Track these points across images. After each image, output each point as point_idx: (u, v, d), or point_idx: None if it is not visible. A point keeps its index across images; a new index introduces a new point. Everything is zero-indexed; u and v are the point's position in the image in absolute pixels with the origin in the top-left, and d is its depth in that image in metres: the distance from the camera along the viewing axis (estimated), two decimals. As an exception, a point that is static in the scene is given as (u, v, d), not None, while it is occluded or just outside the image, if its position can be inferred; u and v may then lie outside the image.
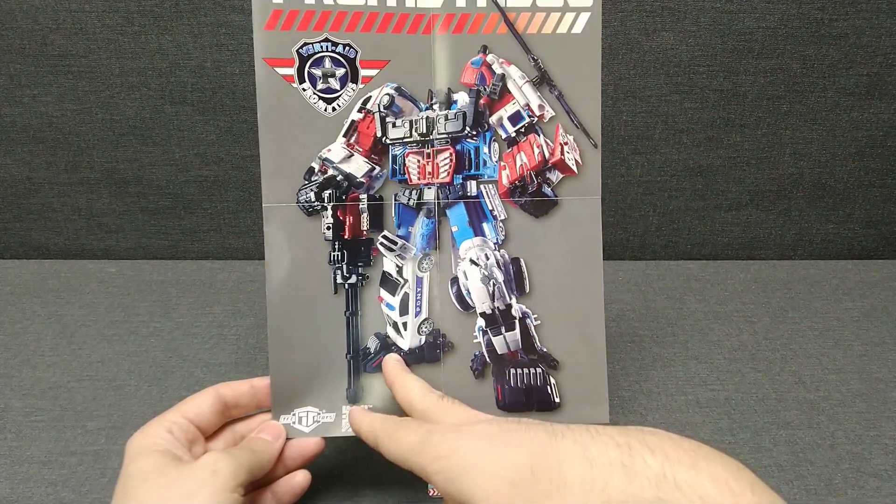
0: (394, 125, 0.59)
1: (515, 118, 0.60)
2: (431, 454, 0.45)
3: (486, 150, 0.60)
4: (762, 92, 0.93)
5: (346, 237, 0.59)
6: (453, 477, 0.43)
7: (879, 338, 0.85)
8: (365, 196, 0.59)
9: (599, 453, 0.39)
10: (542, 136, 0.60)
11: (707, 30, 0.89)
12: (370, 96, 0.58)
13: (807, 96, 0.93)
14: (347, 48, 0.58)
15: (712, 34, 0.89)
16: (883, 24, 0.89)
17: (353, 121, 0.58)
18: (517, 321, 0.60)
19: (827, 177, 0.99)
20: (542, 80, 0.59)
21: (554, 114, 0.59)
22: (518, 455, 0.42)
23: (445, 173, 0.59)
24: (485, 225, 0.60)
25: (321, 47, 0.57)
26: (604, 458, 0.39)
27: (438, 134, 0.59)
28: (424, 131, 0.59)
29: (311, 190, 0.58)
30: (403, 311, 0.60)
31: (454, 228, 0.60)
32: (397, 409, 0.59)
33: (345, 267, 0.59)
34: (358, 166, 0.59)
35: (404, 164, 0.59)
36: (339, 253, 0.59)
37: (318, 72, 0.58)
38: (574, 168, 0.60)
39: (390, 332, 0.60)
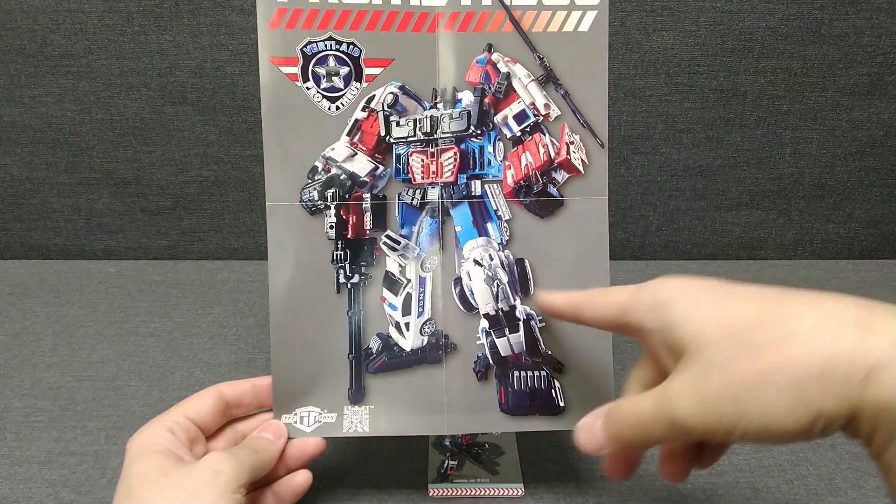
0: (397, 124, 0.58)
1: (521, 117, 0.59)
2: (646, 305, 0.44)
3: (490, 149, 0.59)
4: (762, 92, 0.93)
5: (349, 236, 0.59)
6: (671, 323, 0.42)
7: (880, 338, 0.84)
8: (368, 195, 0.59)
9: (835, 309, 0.37)
10: (547, 135, 0.59)
11: (707, 30, 0.89)
12: (374, 95, 0.58)
13: (807, 96, 0.93)
14: (351, 46, 0.57)
15: (712, 34, 0.89)
16: (883, 24, 0.89)
17: (356, 119, 0.58)
18: (521, 323, 0.60)
19: (827, 177, 0.99)
20: (547, 79, 0.59)
21: (560, 113, 0.59)
22: (743, 306, 0.40)
23: (449, 173, 0.59)
24: (489, 225, 0.59)
25: (325, 46, 0.57)
26: (839, 313, 0.36)
27: (442, 133, 0.59)
28: (428, 130, 0.59)
29: (315, 189, 0.58)
30: (406, 311, 0.60)
31: (458, 228, 0.59)
32: (400, 409, 0.59)
33: (347, 266, 0.59)
34: (361, 165, 0.58)
35: (408, 164, 0.59)
36: (342, 252, 0.58)
37: (321, 70, 0.57)
38: (580, 168, 0.59)
39: (393, 332, 0.60)
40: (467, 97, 0.59)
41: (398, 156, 0.59)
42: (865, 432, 0.36)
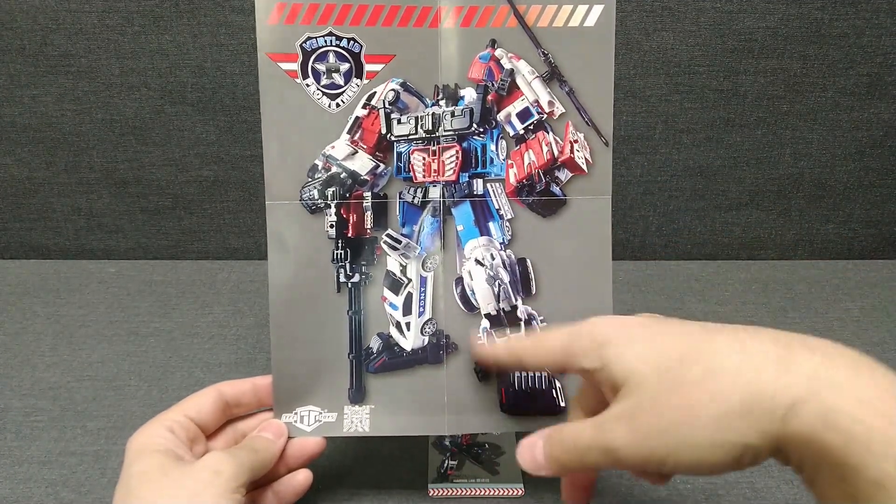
0: (399, 122, 0.58)
1: (524, 115, 0.58)
2: (584, 347, 0.45)
3: (493, 147, 0.59)
4: (762, 92, 0.93)
5: (349, 235, 0.58)
6: (608, 363, 0.43)
7: (879, 338, 0.85)
8: (369, 194, 0.59)
9: (755, 347, 0.39)
10: (551, 133, 0.59)
11: (707, 30, 0.89)
12: (375, 92, 0.58)
13: (807, 96, 0.93)
14: (352, 42, 0.57)
15: (712, 34, 0.89)
16: (883, 24, 0.89)
17: (357, 117, 0.58)
18: (523, 323, 0.59)
19: (827, 177, 0.99)
20: (552, 76, 0.58)
21: (564, 110, 0.58)
22: (671, 343, 0.42)
23: (451, 171, 0.59)
24: (491, 224, 0.59)
25: (325, 41, 0.56)
26: (760, 352, 0.39)
27: (444, 131, 0.58)
28: (430, 128, 0.58)
29: (315, 187, 0.58)
30: (407, 310, 0.59)
31: (459, 227, 0.59)
32: (400, 409, 0.59)
33: (348, 265, 0.58)
34: (362, 163, 0.58)
35: (409, 162, 0.58)
36: (343, 251, 0.58)
37: (321, 67, 0.57)
38: (584, 167, 0.59)
39: (393, 332, 0.60)
40: (470, 94, 0.58)
41: (399, 154, 0.59)
42: (795, 463, 0.38)
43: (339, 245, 0.58)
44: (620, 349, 0.43)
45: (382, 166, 0.59)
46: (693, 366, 0.40)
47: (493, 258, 0.59)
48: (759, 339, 0.40)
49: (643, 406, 0.41)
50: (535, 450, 0.48)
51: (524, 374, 0.59)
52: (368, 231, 0.59)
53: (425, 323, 0.59)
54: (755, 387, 0.37)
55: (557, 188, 0.59)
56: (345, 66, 0.57)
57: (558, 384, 0.59)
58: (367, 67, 0.57)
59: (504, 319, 0.59)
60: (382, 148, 0.58)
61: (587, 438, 0.44)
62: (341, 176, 0.58)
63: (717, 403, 0.38)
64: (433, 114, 0.58)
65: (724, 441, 0.38)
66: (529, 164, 0.59)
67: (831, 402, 0.35)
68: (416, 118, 0.58)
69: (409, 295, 0.59)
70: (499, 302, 0.59)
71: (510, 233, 0.59)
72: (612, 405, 0.44)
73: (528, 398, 0.59)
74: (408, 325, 0.59)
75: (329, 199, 0.58)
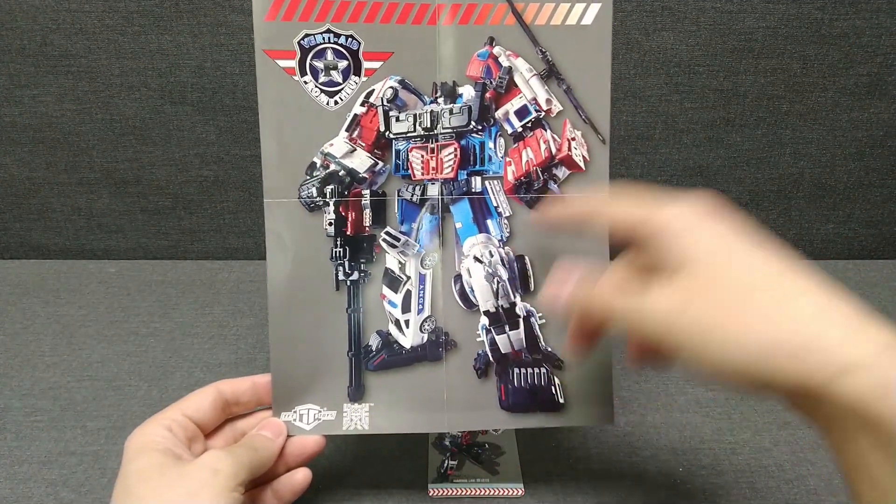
0: (397, 119, 0.58)
1: (522, 113, 0.58)
2: (656, 228, 0.44)
3: (491, 145, 0.58)
4: (762, 92, 0.93)
5: (348, 233, 0.58)
6: (676, 250, 0.42)
7: (880, 337, 0.84)
8: (367, 192, 0.58)
9: (838, 307, 0.37)
10: (549, 131, 0.58)
11: (707, 30, 0.89)
12: (373, 89, 0.57)
13: (807, 96, 0.93)
14: (350, 39, 0.56)
15: (712, 34, 0.89)
16: (883, 24, 0.89)
17: (355, 115, 0.57)
18: (521, 320, 0.59)
19: (827, 177, 0.99)
20: (550, 74, 0.58)
21: (562, 108, 0.58)
22: (756, 268, 0.39)
23: (450, 169, 0.58)
24: (489, 222, 0.59)
25: (323, 38, 0.56)
26: (839, 311, 0.37)
27: (443, 128, 0.58)
28: (428, 126, 0.58)
29: (313, 185, 0.58)
30: (406, 308, 0.59)
31: (458, 225, 0.59)
32: (400, 407, 0.59)
33: (347, 263, 0.58)
34: (360, 161, 0.58)
35: (408, 160, 0.58)
36: (342, 249, 0.58)
37: (319, 64, 0.57)
38: (581, 164, 0.58)
39: (392, 329, 0.59)
40: (468, 92, 0.58)
41: (398, 151, 0.58)
42: (820, 417, 0.37)
43: (338, 243, 0.58)
44: (694, 242, 0.42)
45: (381, 164, 0.58)
46: (765, 296, 0.38)
47: (492, 255, 0.59)
48: (842, 305, 0.37)
49: (693, 299, 0.39)
50: (565, 288, 0.48)
51: (523, 370, 0.59)
52: (367, 229, 0.59)
53: (424, 320, 0.59)
54: (819, 336, 0.36)
55: (555, 186, 0.59)
56: (343, 64, 0.57)
57: (557, 381, 0.59)
58: (366, 65, 0.57)
59: (503, 316, 0.59)
60: (381, 145, 0.58)
61: (622, 303, 0.43)
62: (340, 174, 0.58)
63: (772, 332, 0.37)
64: (431, 111, 0.58)
65: (755, 370, 0.37)
66: (527, 161, 0.59)
67: (894, 374, 0.34)
68: (415, 116, 0.58)
69: (408, 292, 0.59)
70: (497, 299, 0.59)
71: (508, 230, 0.59)
72: (663, 284, 0.42)
73: (528, 395, 0.59)
74: (407, 322, 0.59)
75: (328, 196, 0.58)
